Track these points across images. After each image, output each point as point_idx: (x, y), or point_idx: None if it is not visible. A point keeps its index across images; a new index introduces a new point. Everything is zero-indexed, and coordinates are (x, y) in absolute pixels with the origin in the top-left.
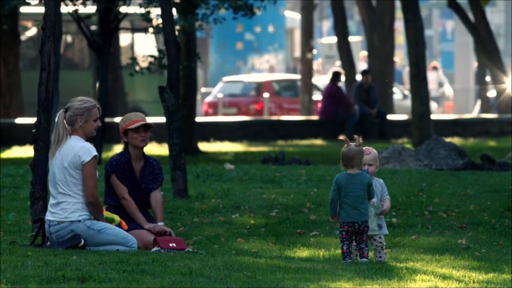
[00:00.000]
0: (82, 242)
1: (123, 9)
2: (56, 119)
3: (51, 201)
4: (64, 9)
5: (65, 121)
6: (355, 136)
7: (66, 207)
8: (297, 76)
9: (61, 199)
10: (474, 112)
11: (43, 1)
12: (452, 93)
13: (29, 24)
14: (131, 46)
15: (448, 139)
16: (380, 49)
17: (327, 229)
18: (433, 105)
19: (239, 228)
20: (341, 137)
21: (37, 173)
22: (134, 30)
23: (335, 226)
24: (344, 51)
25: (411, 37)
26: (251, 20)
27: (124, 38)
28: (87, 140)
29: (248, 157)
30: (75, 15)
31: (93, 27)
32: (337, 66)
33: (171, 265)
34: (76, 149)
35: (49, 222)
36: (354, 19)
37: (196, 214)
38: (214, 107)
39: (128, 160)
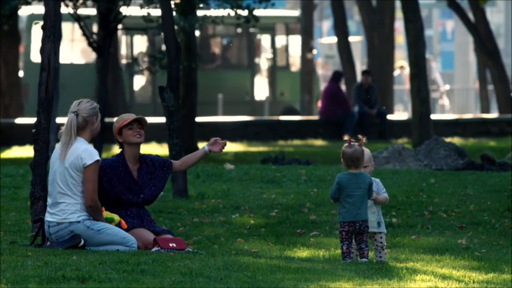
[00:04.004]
0: (82, 242)
1: (123, 9)
2: (68, 122)
3: (49, 201)
4: (65, 9)
5: (77, 125)
6: (359, 136)
7: (65, 208)
8: None
9: (60, 199)
10: None
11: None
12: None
13: None
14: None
15: (448, 139)
16: (380, 49)
17: (327, 229)
18: None
19: (239, 228)
20: (346, 137)
21: (37, 173)
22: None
23: (335, 226)
24: (344, 51)
25: (411, 37)
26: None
27: None
28: (90, 141)
29: (248, 157)
30: (75, 15)
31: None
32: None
33: (171, 265)
34: (79, 151)
35: (48, 223)
36: (354, 19)
37: (196, 214)
38: None
39: (123, 161)
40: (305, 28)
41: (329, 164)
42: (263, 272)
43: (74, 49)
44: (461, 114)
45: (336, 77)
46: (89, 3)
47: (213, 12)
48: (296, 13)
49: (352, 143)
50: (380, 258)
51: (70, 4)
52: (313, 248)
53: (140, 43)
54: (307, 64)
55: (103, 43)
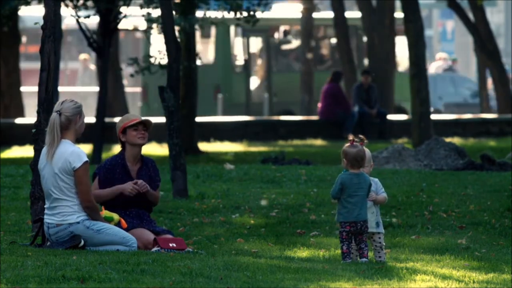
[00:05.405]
0: (82, 242)
1: (123, 9)
2: (51, 122)
3: (47, 203)
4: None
5: (60, 124)
6: (361, 136)
7: (63, 211)
8: None
9: (56, 203)
10: None
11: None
12: None
13: None
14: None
15: (448, 139)
16: (380, 49)
17: (327, 229)
18: None
19: (239, 228)
20: (351, 137)
21: (37, 173)
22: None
23: (335, 226)
24: (344, 51)
25: (411, 37)
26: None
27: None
28: (79, 141)
29: (248, 157)
30: (75, 15)
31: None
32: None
33: (171, 265)
34: (66, 154)
35: (48, 224)
36: None
37: (196, 214)
38: None
39: (122, 161)
40: (305, 28)
41: (329, 164)
42: (263, 272)
43: None
44: (461, 114)
45: (336, 77)
46: (89, 3)
47: (212, 13)
48: (401, 14)
49: (354, 143)
50: (379, 258)
51: (71, 4)
52: (313, 248)
53: (255, 44)
54: (307, 64)
55: (103, 43)
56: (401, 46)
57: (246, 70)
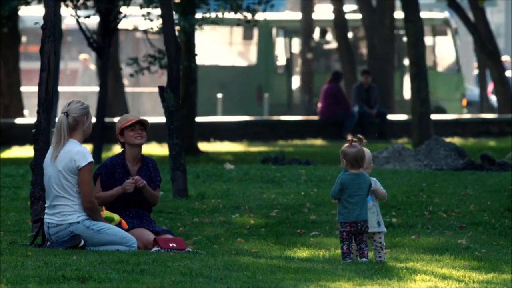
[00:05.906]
0: (82, 242)
1: (123, 9)
2: (58, 123)
3: (47, 202)
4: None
5: (67, 125)
6: (359, 136)
7: (63, 210)
8: None
9: (57, 202)
10: None
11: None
12: None
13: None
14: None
15: (448, 139)
16: (380, 49)
17: (327, 229)
18: None
19: (239, 228)
20: (349, 137)
21: (37, 173)
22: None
23: (335, 226)
24: (344, 51)
25: (411, 37)
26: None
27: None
28: (83, 141)
29: (248, 157)
30: (75, 15)
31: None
32: None
33: (171, 265)
34: (71, 153)
35: (48, 224)
36: None
37: (196, 214)
38: None
39: (122, 161)
40: (305, 28)
41: (329, 164)
42: (263, 272)
43: (234, 52)
44: (461, 114)
45: (336, 77)
46: (89, 3)
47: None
48: (443, 15)
49: (353, 143)
50: (379, 258)
51: (71, 4)
52: (313, 248)
53: (295, 45)
54: (307, 64)
55: (103, 43)
56: (440, 45)
57: (288, 71)
